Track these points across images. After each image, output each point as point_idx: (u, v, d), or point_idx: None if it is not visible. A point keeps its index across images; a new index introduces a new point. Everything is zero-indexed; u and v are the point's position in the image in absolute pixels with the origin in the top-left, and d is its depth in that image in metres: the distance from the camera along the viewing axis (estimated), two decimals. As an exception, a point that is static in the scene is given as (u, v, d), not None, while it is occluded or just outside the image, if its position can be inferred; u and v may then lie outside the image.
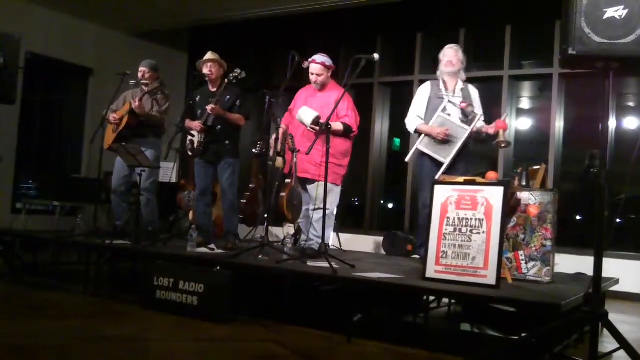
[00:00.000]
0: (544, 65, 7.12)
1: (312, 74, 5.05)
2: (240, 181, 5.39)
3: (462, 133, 4.65)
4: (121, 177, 5.69)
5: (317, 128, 4.69)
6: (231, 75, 5.04)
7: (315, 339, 3.64)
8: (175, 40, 9.38)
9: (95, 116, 7.75)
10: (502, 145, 4.64)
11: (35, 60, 7.86)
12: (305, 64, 5.00)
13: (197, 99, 5.32)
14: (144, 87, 5.66)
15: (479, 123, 4.72)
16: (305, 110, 4.83)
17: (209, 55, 5.29)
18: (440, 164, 4.65)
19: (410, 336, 3.98)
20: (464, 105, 4.72)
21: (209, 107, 4.98)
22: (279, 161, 5.09)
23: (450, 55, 4.82)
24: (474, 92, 4.90)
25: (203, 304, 3.96)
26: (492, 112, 7.56)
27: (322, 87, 5.09)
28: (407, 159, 5.04)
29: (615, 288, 4.63)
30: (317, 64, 5.02)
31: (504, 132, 4.61)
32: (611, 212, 3.14)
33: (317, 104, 5.01)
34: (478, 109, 4.82)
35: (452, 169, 4.64)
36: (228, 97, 5.11)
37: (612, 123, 6.64)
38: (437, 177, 4.57)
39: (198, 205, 5.34)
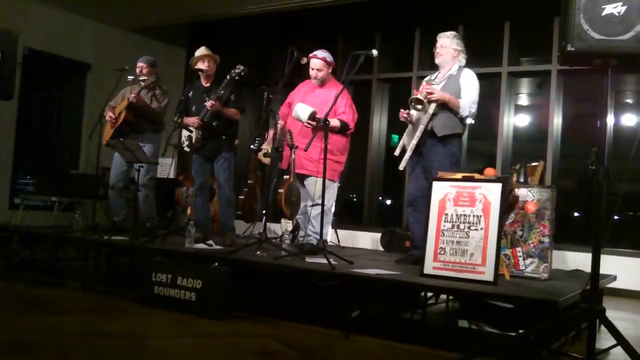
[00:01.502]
0: (543, 61, 7.12)
1: (313, 69, 5.04)
2: (238, 177, 5.39)
3: (423, 120, 4.39)
4: (119, 172, 5.69)
5: (314, 123, 4.69)
6: (233, 71, 5.04)
7: (313, 335, 3.64)
8: (173, 36, 9.37)
9: (93, 112, 7.72)
10: (411, 102, 4.32)
11: (33, 56, 7.84)
12: (304, 60, 4.99)
13: (190, 94, 5.32)
14: (141, 82, 5.66)
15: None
16: (301, 107, 4.83)
17: (204, 51, 5.28)
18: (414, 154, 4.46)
19: (408, 332, 3.98)
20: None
21: (208, 104, 4.98)
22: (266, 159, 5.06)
23: (437, 46, 4.62)
24: (465, 77, 4.47)
25: (201, 300, 3.96)
26: (489, 108, 7.59)
27: (322, 83, 5.08)
28: (395, 153, 4.77)
29: (612, 285, 4.64)
30: (318, 59, 5.02)
31: (419, 96, 4.27)
32: (609, 209, 3.14)
33: (316, 99, 5.01)
34: (465, 93, 4.40)
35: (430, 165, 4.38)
36: (222, 92, 5.10)
37: (610, 120, 6.65)
38: (400, 167, 4.52)
39: (196, 201, 5.34)
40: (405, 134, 4.62)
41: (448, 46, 4.56)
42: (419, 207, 4.44)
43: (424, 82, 4.57)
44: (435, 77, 4.65)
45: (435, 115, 4.37)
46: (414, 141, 4.39)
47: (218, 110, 5.03)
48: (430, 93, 4.35)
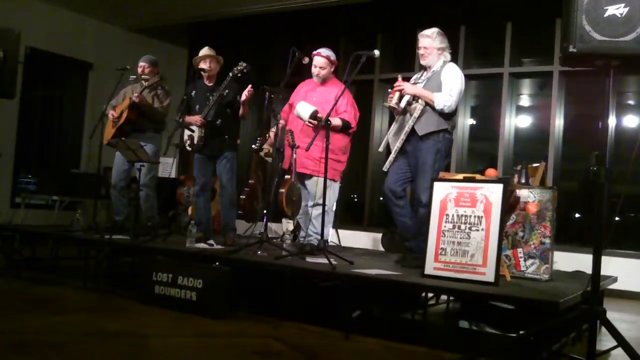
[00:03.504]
0: (544, 62, 7.11)
1: (315, 67, 5.05)
2: (239, 177, 5.38)
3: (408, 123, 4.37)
4: (121, 172, 5.69)
5: (315, 122, 4.69)
6: (236, 69, 5.03)
7: (314, 335, 3.65)
8: (174, 35, 9.38)
9: (95, 111, 7.75)
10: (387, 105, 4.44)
11: (35, 54, 7.86)
12: (306, 60, 5.00)
13: (193, 94, 5.32)
14: (143, 82, 5.66)
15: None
16: (302, 105, 4.83)
17: (207, 51, 5.28)
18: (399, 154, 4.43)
19: (408, 333, 3.98)
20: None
21: (246, 91, 4.90)
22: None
23: (420, 47, 4.51)
24: (446, 71, 4.39)
25: (202, 300, 3.96)
26: (491, 109, 7.59)
27: (324, 81, 5.09)
28: (380, 149, 4.78)
29: (613, 286, 4.63)
30: (322, 57, 5.04)
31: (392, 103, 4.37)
32: (610, 211, 3.14)
33: (317, 98, 5.02)
34: (443, 87, 4.32)
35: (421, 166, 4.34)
36: (227, 91, 5.10)
37: (612, 121, 6.64)
38: (384, 169, 4.50)
39: (198, 201, 5.34)
40: (389, 133, 4.58)
41: (430, 47, 4.46)
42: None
43: (399, 77, 4.53)
44: (421, 76, 4.62)
45: (419, 118, 4.33)
46: (398, 144, 4.36)
47: (249, 99, 4.97)
48: (402, 89, 4.37)
